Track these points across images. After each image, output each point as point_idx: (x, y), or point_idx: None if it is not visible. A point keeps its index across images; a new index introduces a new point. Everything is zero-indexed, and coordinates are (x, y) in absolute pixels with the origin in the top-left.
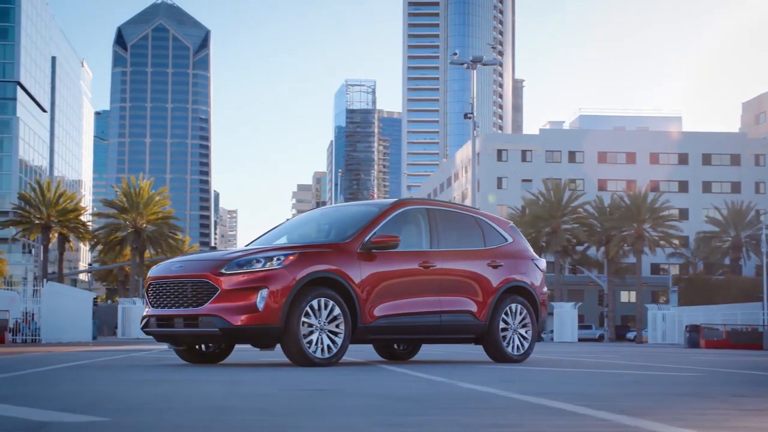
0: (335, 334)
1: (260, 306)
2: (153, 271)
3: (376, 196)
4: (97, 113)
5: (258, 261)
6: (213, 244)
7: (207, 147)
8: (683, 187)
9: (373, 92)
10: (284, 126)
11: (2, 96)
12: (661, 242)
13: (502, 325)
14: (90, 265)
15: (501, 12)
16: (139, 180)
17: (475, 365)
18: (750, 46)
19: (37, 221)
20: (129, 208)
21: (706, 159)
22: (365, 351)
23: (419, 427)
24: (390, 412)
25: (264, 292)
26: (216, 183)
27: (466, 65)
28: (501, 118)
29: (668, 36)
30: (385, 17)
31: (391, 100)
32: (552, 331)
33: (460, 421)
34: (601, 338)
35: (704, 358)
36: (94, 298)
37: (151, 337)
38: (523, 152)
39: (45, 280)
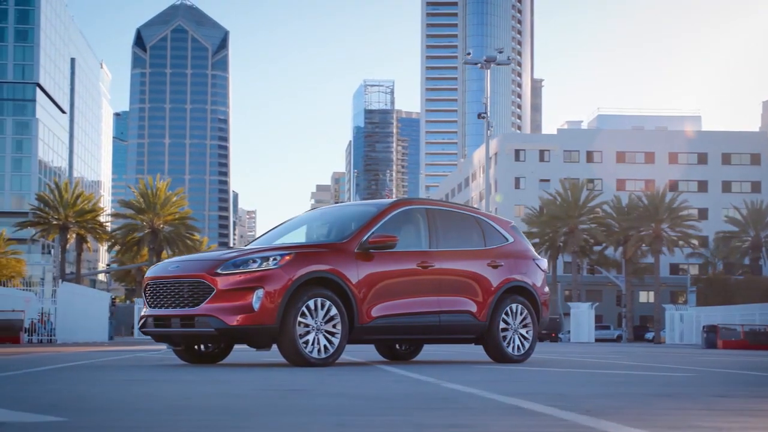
0: (332, 334)
1: (256, 306)
2: (150, 272)
3: (394, 196)
4: (117, 114)
5: (254, 261)
6: (232, 245)
7: (226, 147)
8: (702, 186)
9: (392, 92)
10: (303, 126)
11: (22, 97)
12: (680, 242)
13: (502, 325)
14: (108, 265)
15: (519, 12)
16: (156, 181)
17: (473, 366)
18: None
19: (54, 222)
20: (146, 209)
21: (726, 158)
22: (367, 351)
23: (366, 427)
24: (348, 412)
25: (260, 292)
26: (235, 183)
27: (479, 65)
28: (520, 118)
29: (688, 35)
30: (403, 17)
31: (409, 100)
32: (569, 332)
33: (413, 421)
34: (619, 339)
35: (712, 358)
36: (113, 299)
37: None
38: (541, 152)
39: (60, 280)
